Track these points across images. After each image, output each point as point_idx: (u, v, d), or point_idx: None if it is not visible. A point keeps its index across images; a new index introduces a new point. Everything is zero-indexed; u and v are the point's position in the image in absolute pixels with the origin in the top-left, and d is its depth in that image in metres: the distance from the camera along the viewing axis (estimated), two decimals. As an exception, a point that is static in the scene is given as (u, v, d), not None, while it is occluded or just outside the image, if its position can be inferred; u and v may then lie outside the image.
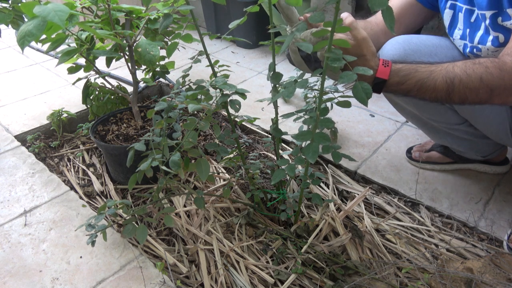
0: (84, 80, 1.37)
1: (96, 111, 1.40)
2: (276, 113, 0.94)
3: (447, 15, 1.01)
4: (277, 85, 0.85)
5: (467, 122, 1.07)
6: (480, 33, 0.93)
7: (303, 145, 1.19)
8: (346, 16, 0.82)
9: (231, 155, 1.14)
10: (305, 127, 1.32)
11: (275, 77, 0.82)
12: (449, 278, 0.82)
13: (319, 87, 0.72)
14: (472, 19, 0.94)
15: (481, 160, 1.21)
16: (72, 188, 1.26)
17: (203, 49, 0.88)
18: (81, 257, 0.97)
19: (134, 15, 1.27)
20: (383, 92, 0.83)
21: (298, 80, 0.73)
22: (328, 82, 1.85)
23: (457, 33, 0.99)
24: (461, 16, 0.97)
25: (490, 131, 1.05)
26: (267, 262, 0.95)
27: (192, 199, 1.05)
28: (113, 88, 1.34)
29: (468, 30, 0.96)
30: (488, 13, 0.87)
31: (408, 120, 1.22)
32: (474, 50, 0.95)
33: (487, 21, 0.88)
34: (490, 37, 0.90)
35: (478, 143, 1.13)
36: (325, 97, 0.74)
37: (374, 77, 0.80)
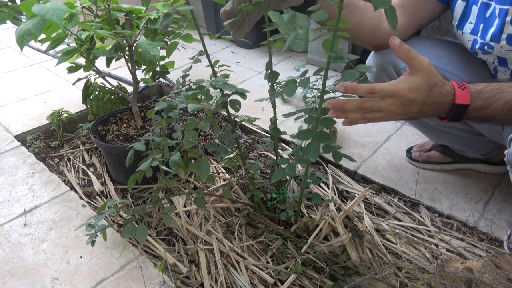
0: (84, 80, 1.37)
1: (96, 111, 1.40)
2: (275, 113, 0.94)
3: (459, 6, 0.96)
4: (274, 85, 0.85)
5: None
6: (492, 30, 0.88)
7: (303, 145, 1.19)
8: (399, 43, 0.68)
9: (231, 155, 1.14)
10: (305, 127, 1.32)
11: (272, 76, 0.81)
12: (449, 278, 0.82)
13: (320, 86, 0.72)
14: (487, 14, 0.89)
15: (481, 160, 1.21)
16: (72, 188, 1.26)
17: (203, 49, 0.88)
18: (81, 257, 0.97)
19: (134, 15, 1.27)
20: (464, 120, 0.71)
21: (299, 79, 0.73)
22: (329, 82, 1.85)
23: (468, 26, 0.94)
24: (475, 9, 0.92)
25: (482, 129, 1.05)
26: (267, 262, 0.95)
27: (192, 199, 1.05)
28: (113, 88, 1.34)
29: (481, 25, 0.90)
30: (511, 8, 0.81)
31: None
32: (485, 47, 0.90)
33: (508, 17, 0.82)
34: (504, 36, 0.85)
35: (476, 140, 1.12)
36: (326, 96, 0.74)
37: (452, 104, 0.68)
